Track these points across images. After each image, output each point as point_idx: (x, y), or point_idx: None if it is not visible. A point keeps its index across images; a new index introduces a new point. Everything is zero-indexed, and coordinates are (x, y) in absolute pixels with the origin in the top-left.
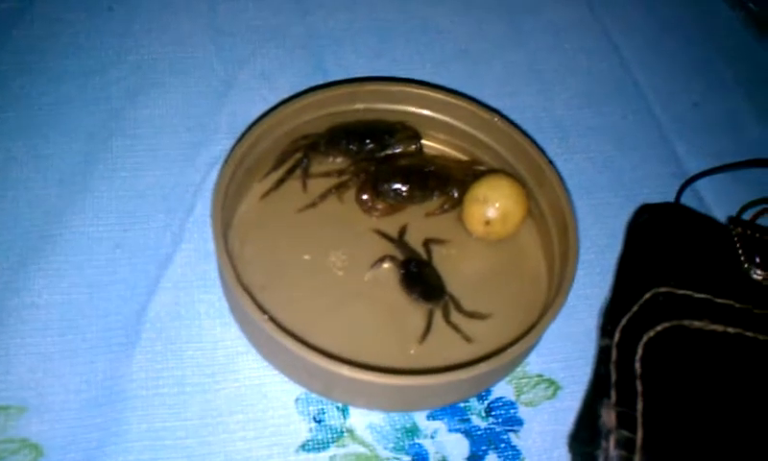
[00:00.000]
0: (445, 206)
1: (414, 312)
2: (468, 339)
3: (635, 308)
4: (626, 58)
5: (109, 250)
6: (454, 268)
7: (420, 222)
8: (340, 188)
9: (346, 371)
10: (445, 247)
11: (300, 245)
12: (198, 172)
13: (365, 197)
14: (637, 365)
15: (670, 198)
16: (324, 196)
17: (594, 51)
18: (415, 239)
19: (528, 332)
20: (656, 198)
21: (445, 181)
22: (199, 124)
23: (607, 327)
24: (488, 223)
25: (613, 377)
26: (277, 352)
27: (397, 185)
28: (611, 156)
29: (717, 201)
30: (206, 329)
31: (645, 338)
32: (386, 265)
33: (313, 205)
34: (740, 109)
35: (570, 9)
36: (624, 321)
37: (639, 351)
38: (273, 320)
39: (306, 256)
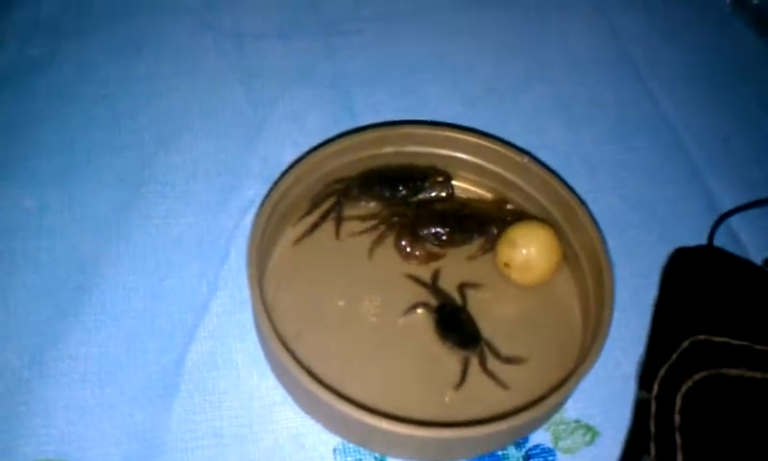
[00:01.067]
0: (486, 246)
1: (449, 358)
2: (504, 386)
3: (673, 358)
4: (653, 89)
5: (146, 299)
6: (489, 313)
7: (454, 267)
8: (379, 237)
9: (384, 424)
10: (480, 291)
11: (334, 291)
12: (231, 217)
13: (404, 243)
14: (677, 417)
15: (704, 235)
16: (375, 245)
17: (620, 83)
18: (449, 285)
19: (566, 380)
20: (689, 235)
21: (484, 223)
22: (230, 168)
23: (645, 380)
24: (507, 265)
25: (653, 431)
26: (314, 403)
27: (437, 229)
28: (642, 192)
29: (752, 237)
30: (243, 379)
31: (684, 388)
32: (419, 311)
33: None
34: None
35: (594, 38)
36: (662, 372)
37: (678, 403)
38: (309, 371)
39: (341, 303)
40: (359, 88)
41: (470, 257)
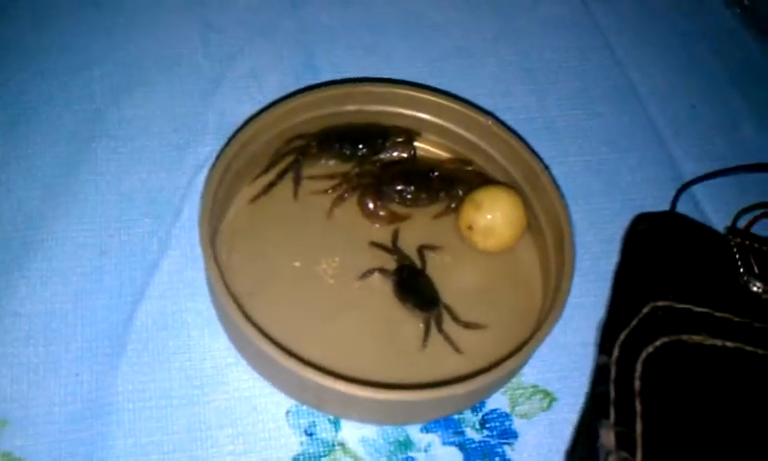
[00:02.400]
0: (451, 207)
1: (407, 322)
2: (458, 350)
3: (633, 323)
4: (620, 57)
5: (95, 256)
6: (449, 277)
7: (415, 229)
8: (339, 197)
9: (339, 386)
10: (440, 254)
11: (291, 251)
12: (185, 175)
13: (368, 201)
14: (637, 383)
15: (667, 203)
16: (335, 205)
17: (588, 49)
18: (409, 247)
19: (524, 345)
20: (652, 203)
21: (450, 182)
22: (185, 124)
23: (605, 344)
24: (470, 228)
25: (612, 396)
26: (267, 364)
27: (403, 187)
28: (606, 158)
29: (714, 206)
30: (194, 339)
31: (644, 354)
32: (377, 275)
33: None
34: (738, 111)
35: (563, 5)
36: (622, 336)
37: (638, 368)
38: (262, 331)
39: (297, 263)
40: (323, 46)
41: (435, 217)
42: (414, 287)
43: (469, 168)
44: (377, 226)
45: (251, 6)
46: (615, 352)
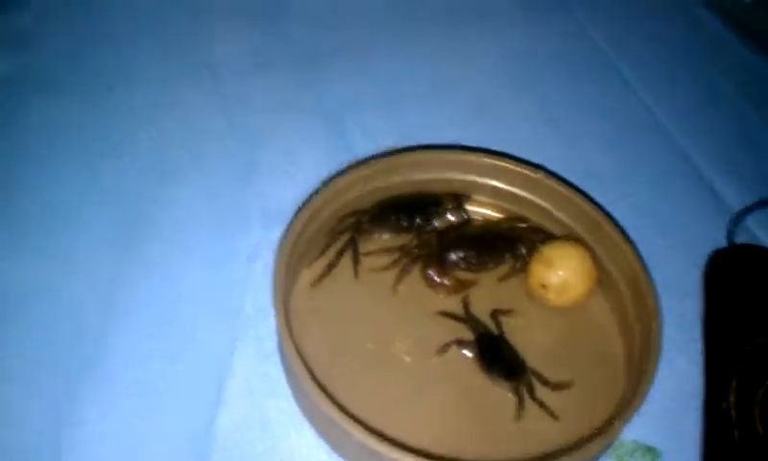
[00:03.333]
0: (517, 266)
1: (492, 391)
2: (554, 416)
3: (739, 367)
4: (640, 93)
5: (162, 367)
6: (524, 339)
7: (481, 294)
8: (402, 270)
9: None
10: (513, 317)
11: (361, 333)
12: (239, 266)
13: (431, 272)
14: (759, 427)
15: (719, 235)
16: (399, 279)
17: (608, 90)
18: (480, 313)
19: (623, 408)
20: (704, 239)
21: (513, 242)
22: (228, 213)
23: (715, 390)
24: (544, 287)
25: (738, 439)
26: (366, 455)
27: (466, 253)
28: (648, 198)
29: None
30: (281, 439)
31: (759, 395)
32: (455, 347)
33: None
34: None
35: (577, 50)
36: (734, 383)
37: (757, 412)
38: (358, 421)
39: (370, 345)
40: (350, 117)
41: (501, 279)
42: (498, 355)
43: (524, 225)
44: (443, 296)
45: (267, 84)
46: (732, 398)
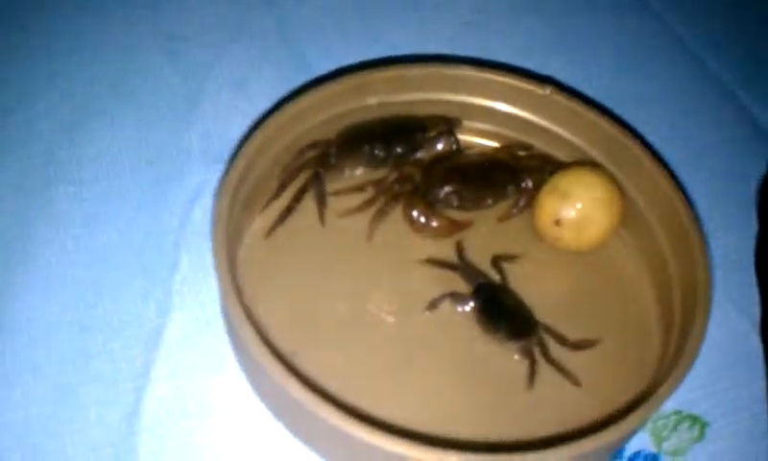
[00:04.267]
0: (522, 202)
1: (498, 355)
2: (576, 383)
3: None
4: (657, 9)
5: (73, 337)
6: (534, 290)
7: (477, 239)
8: (379, 212)
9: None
10: (518, 264)
11: (331, 291)
12: (173, 214)
13: (416, 212)
14: None
15: (759, 163)
16: (375, 222)
17: (619, 6)
18: (478, 261)
19: (664, 375)
20: (742, 165)
21: (517, 173)
22: (162, 154)
23: None
24: (558, 223)
25: None
26: (340, 443)
27: (457, 186)
28: (677, 126)
29: None
30: (226, 426)
31: None
32: (449, 301)
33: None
34: None
35: None
36: None
37: None
38: (330, 399)
39: (342, 305)
40: (312, 40)
41: (501, 219)
42: (502, 310)
43: (529, 153)
44: (431, 241)
45: (216, 10)
46: None
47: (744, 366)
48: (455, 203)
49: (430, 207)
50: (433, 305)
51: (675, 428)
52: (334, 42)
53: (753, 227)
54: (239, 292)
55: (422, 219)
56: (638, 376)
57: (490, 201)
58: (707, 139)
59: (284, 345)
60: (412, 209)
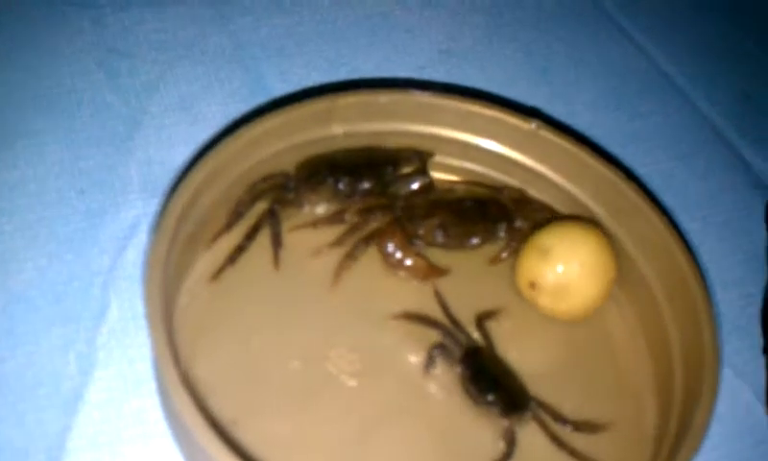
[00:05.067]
0: (512, 244)
1: (481, 426)
2: None
3: None
4: (640, 41)
5: None
6: (516, 355)
7: (452, 288)
8: (349, 255)
9: None
10: (497, 321)
11: (283, 347)
12: (104, 253)
13: (391, 246)
14: None
15: (756, 213)
16: (345, 265)
17: (604, 39)
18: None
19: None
20: (739, 216)
21: (509, 212)
22: (96, 183)
23: None
24: (533, 286)
25: None
26: None
27: (443, 221)
28: (667, 167)
29: None
30: None
31: None
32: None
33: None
34: None
35: None
36: None
37: None
38: None
39: (295, 363)
40: (272, 62)
41: (493, 261)
42: (495, 381)
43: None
44: (404, 290)
45: (164, 25)
46: None
47: (749, 440)
48: (440, 238)
49: (408, 243)
50: (429, 364)
51: None
52: (296, 66)
53: (753, 283)
54: (175, 352)
55: (398, 254)
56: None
57: (476, 240)
58: (699, 184)
59: (225, 412)
60: (388, 242)
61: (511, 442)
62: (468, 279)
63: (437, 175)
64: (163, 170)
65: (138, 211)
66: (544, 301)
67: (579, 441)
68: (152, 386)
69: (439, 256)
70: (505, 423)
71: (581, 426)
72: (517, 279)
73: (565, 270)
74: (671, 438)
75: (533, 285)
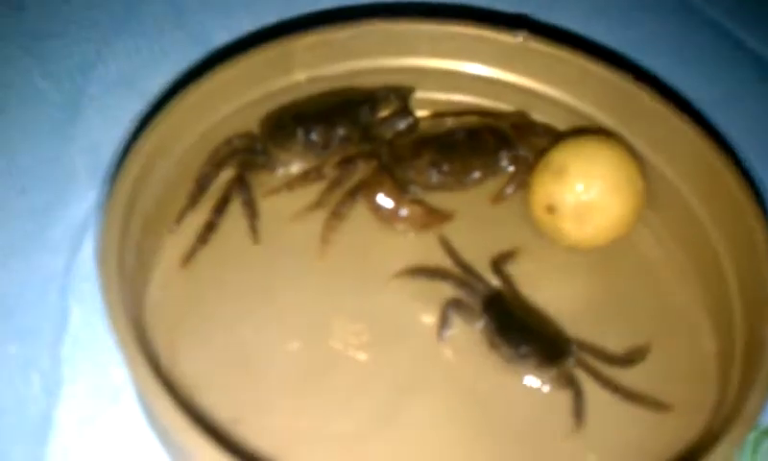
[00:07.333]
0: (518, 175)
1: (519, 389)
2: (665, 408)
3: None
4: None
5: None
6: (543, 297)
7: (459, 234)
8: (335, 213)
9: None
10: (518, 263)
11: (276, 329)
12: (57, 255)
13: (381, 197)
14: None
15: None
16: (331, 225)
17: None
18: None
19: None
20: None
21: (510, 139)
22: (39, 179)
23: None
24: (551, 210)
25: None
26: None
27: (436, 158)
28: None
29: None
30: None
31: None
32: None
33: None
34: None
35: None
36: None
37: None
38: None
39: (294, 344)
40: (217, 20)
41: (497, 199)
42: (525, 329)
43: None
44: (403, 242)
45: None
46: None
47: None
48: (434, 178)
49: (400, 190)
50: (444, 327)
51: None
52: (245, 18)
53: None
54: (151, 353)
55: (390, 205)
56: (700, 386)
57: (477, 173)
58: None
59: (224, 412)
60: (377, 192)
61: (573, 382)
62: (476, 221)
63: (421, 113)
64: (111, 154)
65: (89, 203)
66: (567, 226)
67: (634, 376)
68: (130, 393)
69: (438, 201)
70: (549, 373)
71: (631, 359)
72: (533, 208)
73: (586, 187)
74: (740, 359)
75: (551, 209)
